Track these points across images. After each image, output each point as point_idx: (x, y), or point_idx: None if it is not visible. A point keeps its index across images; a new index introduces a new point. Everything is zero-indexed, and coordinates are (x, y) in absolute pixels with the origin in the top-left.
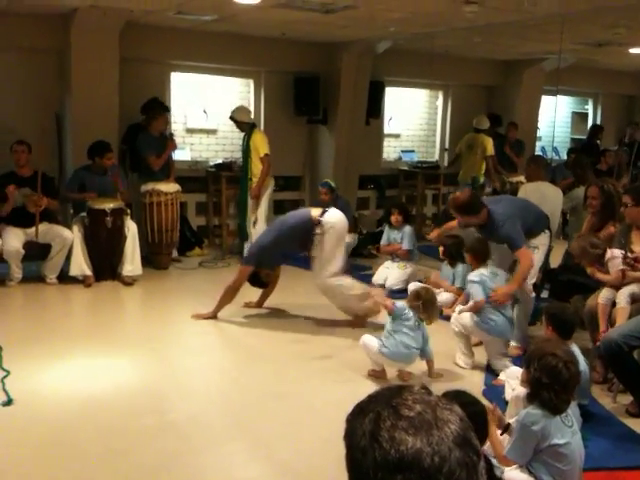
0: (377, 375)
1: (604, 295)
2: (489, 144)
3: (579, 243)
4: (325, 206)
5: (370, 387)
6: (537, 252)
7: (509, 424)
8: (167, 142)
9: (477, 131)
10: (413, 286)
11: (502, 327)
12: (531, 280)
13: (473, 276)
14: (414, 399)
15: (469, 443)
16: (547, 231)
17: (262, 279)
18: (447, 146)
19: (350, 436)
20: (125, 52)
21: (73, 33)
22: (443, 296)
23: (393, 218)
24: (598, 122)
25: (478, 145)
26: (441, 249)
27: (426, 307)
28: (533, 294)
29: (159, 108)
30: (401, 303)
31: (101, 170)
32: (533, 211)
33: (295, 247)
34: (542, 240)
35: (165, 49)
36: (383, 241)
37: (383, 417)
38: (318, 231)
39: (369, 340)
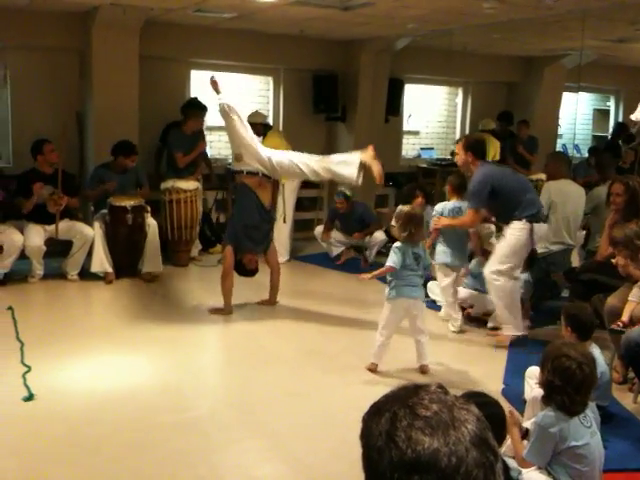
0: (373, 369)
1: (635, 293)
2: (497, 147)
3: (625, 231)
4: (342, 214)
5: (387, 387)
6: (503, 239)
7: (527, 430)
8: (198, 141)
9: (483, 132)
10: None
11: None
12: (502, 266)
13: (396, 245)
14: (430, 398)
15: (486, 443)
16: (526, 223)
17: (246, 266)
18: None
19: (366, 436)
20: (145, 50)
21: (94, 31)
22: (462, 293)
23: (418, 201)
24: (620, 119)
25: (490, 147)
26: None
27: (416, 226)
28: (520, 277)
29: (195, 108)
30: (394, 255)
31: (121, 169)
32: (529, 198)
33: (254, 214)
34: (517, 231)
35: (185, 47)
36: None
37: (399, 417)
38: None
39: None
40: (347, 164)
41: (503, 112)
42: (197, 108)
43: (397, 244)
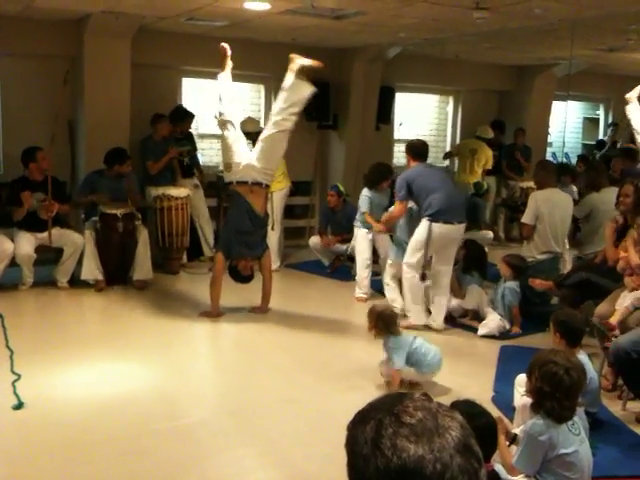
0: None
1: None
2: (490, 156)
3: None
4: (333, 209)
5: (379, 393)
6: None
7: (516, 435)
8: (168, 148)
9: (480, 139)
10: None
11: None
12: (411, 259)
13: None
14: (415, 406)
15: (470, 450)
16: (427, 221)
17: (241, 272)
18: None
19: (352, 444)
20: (137, 58)
21: (86, 39)
22: (452, 302)
23: (384, 185)
24: (609, 127)
25: (482, 154)
26: (462, 253)
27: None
28: (414, 276)
29: (171, 115)
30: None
31: (114, 176)
32: (434, 198)
33: (245, 220)
34: (421, 228)
35: (177, 55)
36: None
37: (385, 424)
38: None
39: None
40: (294, 89)
41: (496, 121)
42: (165, 116)
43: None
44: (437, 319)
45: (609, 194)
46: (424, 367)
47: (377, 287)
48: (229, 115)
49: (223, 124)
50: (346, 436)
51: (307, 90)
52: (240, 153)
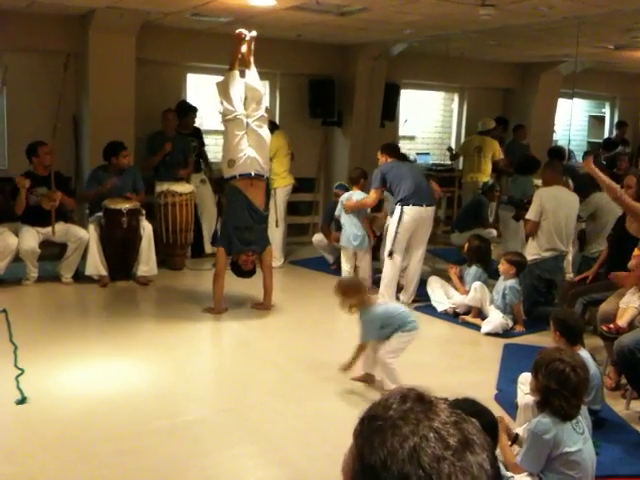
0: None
1: (635, 300)
2: (497, 147)
3: None
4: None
5: (379, 392)
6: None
7: (517, 435)
8: (174, 143)
9: (482, 133)
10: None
11: None
12: (389, 247)
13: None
14: (450, 422)
15: (495, 469)
16: (399, 206)
17: (242, 267)
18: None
19: (383, 454)
20: (142, 54)
21: (90, 35)
22: (457, 297)
23: (362, 183)
24: (614, 125)
25: (488, 148)
26: (466, 246)
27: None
28: (394, 263)
29: (183, 109)
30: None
31: (118, 170)
32: (404, 185)
33: (244, 215)
34: (396, 215)
35: (181, 51)
36: None
37: (430, 443)
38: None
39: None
40: (232, 82)
41: (499, 118)
42: (174, 109)
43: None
44: (407, 294)
45: None
46: (408, 324)
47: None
48: (241, 112)
49: (233, 121)
50: (371, 441)
51: (256, 90)
52: (246, 149)
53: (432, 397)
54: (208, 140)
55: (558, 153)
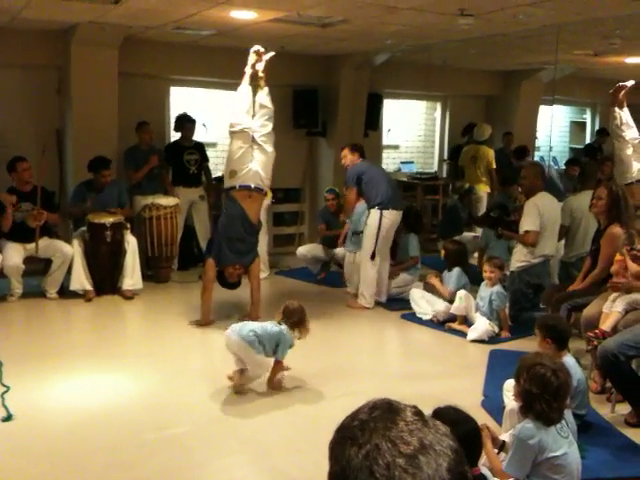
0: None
1: (618, 305)
2: (491, 157)
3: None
4: (334, 212)
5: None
6: (366, 228)
7: (504, 442)
8: (150, 156)
9: (477, 143)
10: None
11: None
12: (368, 250)
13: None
14: (410, 430)
15: (463, 476)
16: (377, 210)
17: (227, 279)
18: (445, 157)
19: (341, 463)
20: (124, 67)
21: (73, 49)
22: (439, 305)
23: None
24: (596, 131)
25: (481, 158)
26: (442, 252)
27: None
28: (373, 265)
29: (180, 121)
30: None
31: (101, 186)
32: (381, 189)
33: (238, 227)
34: (370, 219)
35: (164, 64)
36: None
37: (382, 452)
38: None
39: None
40: (242, 96)
41: (468, 125)
42: (143, 123)
43: None
44: (383, 294)
45: (586, 197)
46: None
47: None
48: (248, 125)
49: (239, 133)
50: (335, 452)
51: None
52: (251, 163)
53: (401, 405)
54: (209, 153)
55: (522, 152)
